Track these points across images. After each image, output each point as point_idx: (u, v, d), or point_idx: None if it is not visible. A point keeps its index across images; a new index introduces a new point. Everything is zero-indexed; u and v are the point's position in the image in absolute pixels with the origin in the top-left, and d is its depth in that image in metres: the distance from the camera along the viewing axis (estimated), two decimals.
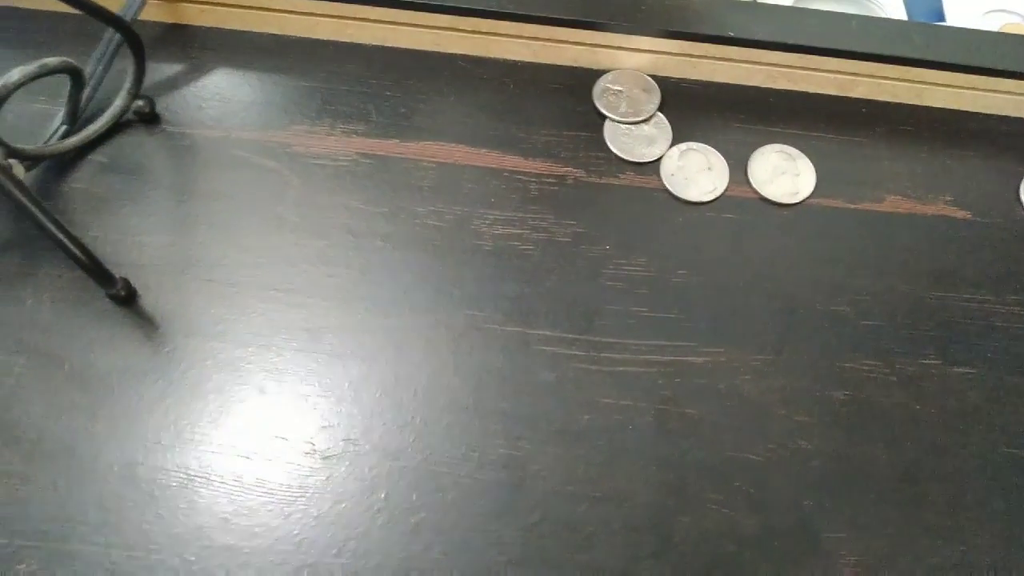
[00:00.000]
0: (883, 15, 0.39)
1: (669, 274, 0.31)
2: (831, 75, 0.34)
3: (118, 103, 0.32)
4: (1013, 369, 0.30)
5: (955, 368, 0.30)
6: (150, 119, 0.33)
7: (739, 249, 0.32)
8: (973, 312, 0.31)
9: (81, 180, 0.31)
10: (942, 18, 0.39)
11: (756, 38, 0.33)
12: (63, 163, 0.32)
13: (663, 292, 0.31)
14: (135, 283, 0.29)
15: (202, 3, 0.35)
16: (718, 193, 0.33)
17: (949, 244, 0.33)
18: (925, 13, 0.40)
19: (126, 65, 0.32)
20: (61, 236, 0.27)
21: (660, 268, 0.31)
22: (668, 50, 0.34)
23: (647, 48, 0.34)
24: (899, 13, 0.39)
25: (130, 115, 0.33)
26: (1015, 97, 0.35)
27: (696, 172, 0.33)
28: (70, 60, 0.29)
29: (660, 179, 0.33)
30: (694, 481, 0.27)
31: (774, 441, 0.28)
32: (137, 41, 0.32)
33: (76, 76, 0.30)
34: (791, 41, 0.33)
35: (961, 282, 0.32)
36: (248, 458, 0.27)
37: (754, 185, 0.33)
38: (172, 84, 0.34)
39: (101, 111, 0.32)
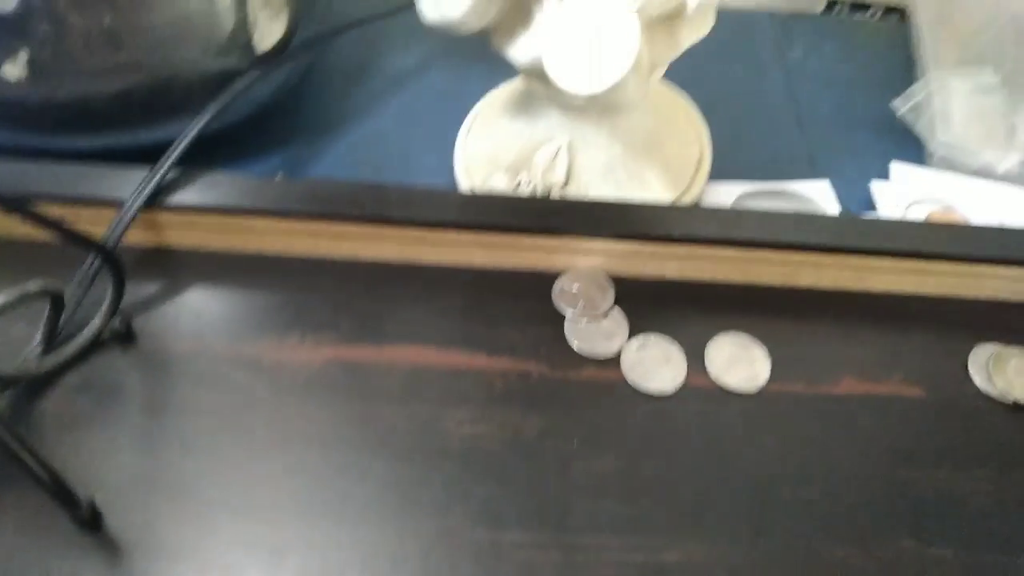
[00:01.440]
0: (819, 210, 0.42)
1: (637, 467, 0.31)
2: (775, 267, 0.37)
3: (95, 323, 0.33)
4: (989, 546, 0.30)
5: (931, 549, 0.30)
6: (125, 338, 0.34)
7: (703, 439, 0.32)
8: (942, 489, 0.31)
9: (53, 401, 0.32)
10: (873, 209, 0.42)
11: (699, 236, 0.36)
12: (36, 384, 0.32)
13: (632, 486, 0.31)
14: (102, 504, 0.29)
15: (183, 227, 0.37)
16: (678, 383, 0.34)
17: (908, 422, 0.33)
18: (857, 206, 0.43)
19: (106, 286, 0.34)
20: (29, 461, 0.27)
21: (627, 462, 0.31)
22: (618, 251, 0.36)
23: (600, 250, 0.36)
24: (833, 207, 0.42)
25: (106, 335, 0.34)
26: (949, 279, 0.37)
27: (655, 364, 0.34)
28: (50, 285, 0.30)
29: (621, 372, 0.34)
30: None
31: None
32: (118, 265, 0.33)
33: (56, 300, 0.31)
34: (730, 237, 0.36)
35: (925, 460, 0.32)
36: None
37: (712, 375, 0.34)
38: (149, 303, 0.35)
39: (78, 331, 0.33)
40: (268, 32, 0.38)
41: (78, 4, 0.34)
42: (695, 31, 0.33)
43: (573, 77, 0.29)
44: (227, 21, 0.36)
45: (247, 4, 0.36)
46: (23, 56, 0.35)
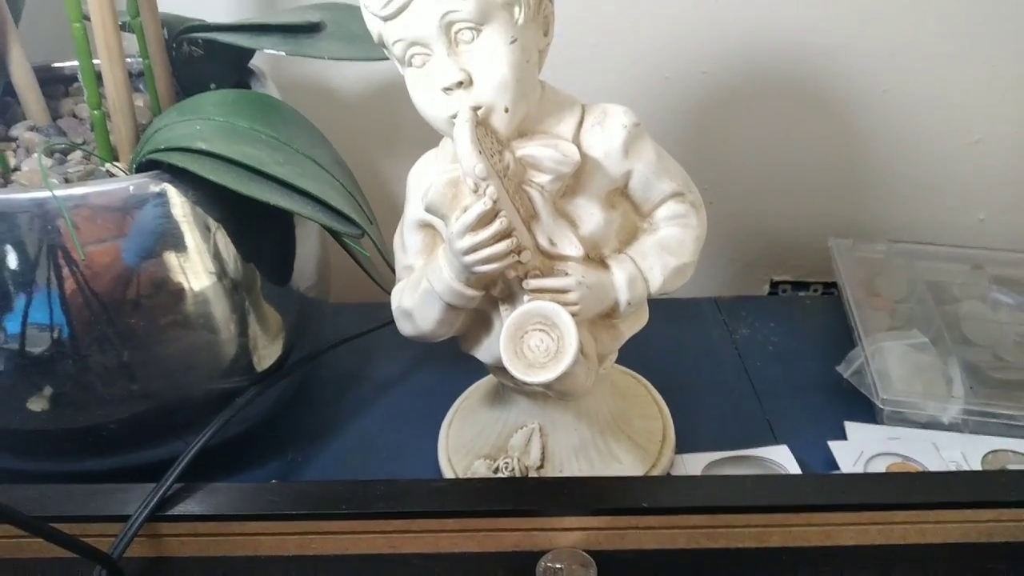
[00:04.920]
0: (782, 470, 0.44)
1: None
2: (745, 530, 0.38)
3: None
4: None
5: None
6: None
7: None
8: None
9: None
10: (835, 467, 0.45)
11: (668, 506, 0.38)
12: None
13: None
14: None
15: (183, 535, 0.39)
16: None
17: None
18: (818, 465, 0.45)
19: None
20: None
21: None
22: (596, 526, 0.38)
23: (577, 526, 0.38)
24: (794, 469, 0.45)
25: None
26: (913, 526, 0.39)
27: None
28: None
29: None
30: None
31: None
32: None
33: None
34: (699, 504, 0.38)
35: None
36: None
37: None
38: None
39: None
40: (267, 354, 0.44)
41: (99, 343, 0.38)
42: (633, 325, 0.38)
43: (527, 370, 0.33)
44: (230, 349, 0.41)
45: (248, 332, 0.42)
46: (47, 391, 0.39)
